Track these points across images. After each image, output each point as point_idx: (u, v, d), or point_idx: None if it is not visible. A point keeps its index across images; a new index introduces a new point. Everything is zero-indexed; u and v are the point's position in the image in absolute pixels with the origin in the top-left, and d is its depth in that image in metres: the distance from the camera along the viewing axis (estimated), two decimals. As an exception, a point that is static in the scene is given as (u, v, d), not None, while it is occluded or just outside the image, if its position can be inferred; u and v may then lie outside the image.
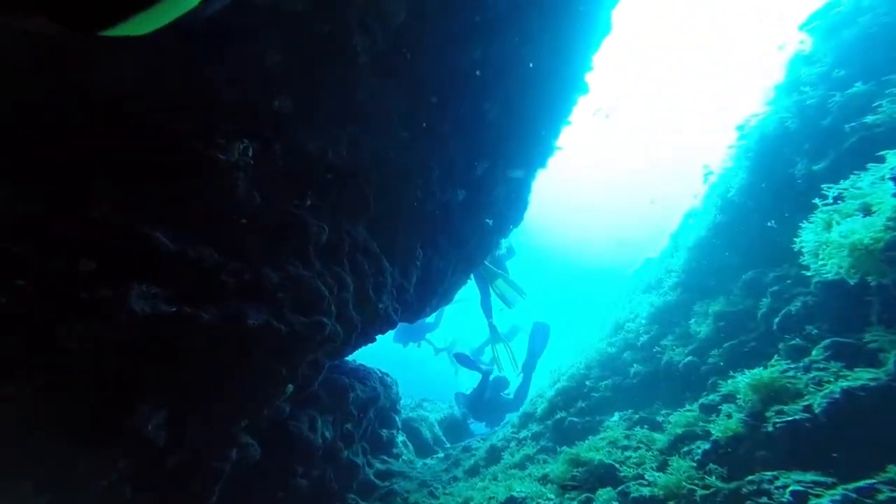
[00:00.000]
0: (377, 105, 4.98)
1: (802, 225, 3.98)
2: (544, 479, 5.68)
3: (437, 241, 7.03)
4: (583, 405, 6.65)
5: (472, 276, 9.81)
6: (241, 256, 3.48)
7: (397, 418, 9.22)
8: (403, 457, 9.64)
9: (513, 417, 8.94)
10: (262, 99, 3.71)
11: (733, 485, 3.30)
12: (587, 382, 6.85)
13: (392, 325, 6.14)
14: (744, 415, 3.63)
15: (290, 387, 4.05)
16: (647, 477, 4.10)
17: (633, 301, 7.78)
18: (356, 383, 6.93)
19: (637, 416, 5.55)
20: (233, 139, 3.25)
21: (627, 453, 4.80)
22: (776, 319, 4.40)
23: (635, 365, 6.23)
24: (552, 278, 38.30)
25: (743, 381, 3.82)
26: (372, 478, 7.63)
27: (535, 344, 12.79)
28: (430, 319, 14.76)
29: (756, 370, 3.83)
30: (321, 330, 3.94)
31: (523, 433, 7.57)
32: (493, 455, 7.65)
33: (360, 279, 4.99)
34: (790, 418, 3.20)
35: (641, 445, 4.81)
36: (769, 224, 5.37)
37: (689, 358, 5.35)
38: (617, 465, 4.68)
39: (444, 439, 10.77)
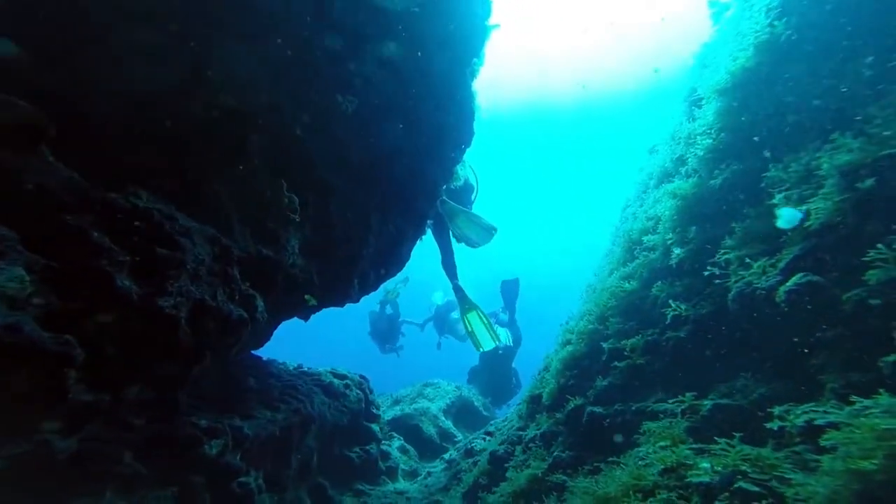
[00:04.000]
0: None
1: None
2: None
3: (326, 178, 4.13)
4: (605, 383, 3.74)
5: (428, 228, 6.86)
6: None
7: (375, 427, 6.55)
8: (402, 466, 7.04)
9: (519, 401, 6.12)
10: None
11: None
12: (603, 344, 3.91)
13: (241, 327, 3.31)
14: None
15: None
16: None
17: (646, 202, 4.69)
18: (258, 411, 4.22)
19: (708, 402, 2.60)
20: None
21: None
22: None
23: (673, 304, 3.24)
24: (511, 145, 30.30)
25: None
26: (337, 528, 5.04)
27: (509, 296, 10.37)
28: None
29: None
30: None
31: (530, 431, 4.74)
32: (496, 468, 4.89)
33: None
34: None
35: (757, 482, 1.88)
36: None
37: (802, 279, 2.32)
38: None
39: (454, 431, 8.09)
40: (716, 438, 2.14)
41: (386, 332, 11.45)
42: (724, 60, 3.61)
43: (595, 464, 3.40)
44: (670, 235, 3.54)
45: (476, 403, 9.11)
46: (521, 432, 4.94)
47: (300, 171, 3.85)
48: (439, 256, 6.80)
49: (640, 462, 2.67)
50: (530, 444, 4.47)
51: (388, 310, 11.52)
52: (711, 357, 2.86)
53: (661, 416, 2.99)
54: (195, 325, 2.72)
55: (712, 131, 3.55)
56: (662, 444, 2.64)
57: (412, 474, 7.01)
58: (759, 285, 2.46)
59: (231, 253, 3.10)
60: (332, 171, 4.21)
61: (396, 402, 8.72)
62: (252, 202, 3.43)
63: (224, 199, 3.18)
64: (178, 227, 2.69)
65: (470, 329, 6.90)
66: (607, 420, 3.53)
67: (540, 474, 3.81)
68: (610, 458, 3.15)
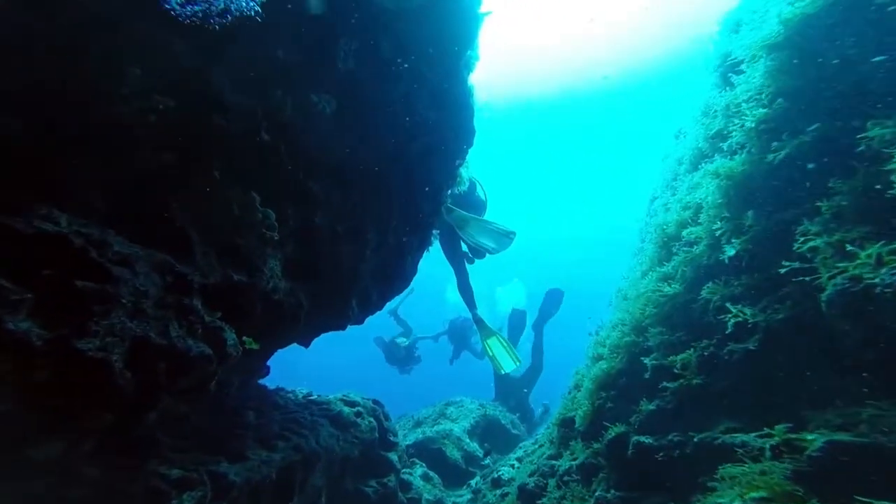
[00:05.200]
0: None
1: None
2: None
3: (309, 188, 3.58)
4: (652, 407, 3.02)
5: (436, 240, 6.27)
6: None
7: (393, 455, 5.90)
8: (426, 496, 6.34)
9: (547, 424, 5.39)
10: None
11: None
12: (645, 360, 3.19)
13: (204, 364, 2.73)
14: None
15: None
16: None
17: (679, 190, 3.96)
18: (253, 450, 3.64)
19: (816, 438, 1.85)
20: None
21: None
22: None
23: (734, 309, 2.51)
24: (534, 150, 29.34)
25: None
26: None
27: (548, 307, 10.03)
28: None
29: None
30: None
31: (564, 461, 4.01)
32: (526, 504, 4.17)
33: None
34: None
35: None
36: None
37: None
38: None
39: (479, 455, 7.36)
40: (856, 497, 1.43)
41: (404, 356, 10.94)
42: (773, 8, 2.90)
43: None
44: (719, 225, 2.82)
45: (503, 421, 8.34)
46: (553, 462, 4.22)
47: (276, 181, 3.30)
48: (455, 280, 6.37)
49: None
50: (565, 478, 3.75)
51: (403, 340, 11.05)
52: (798, 376, 2.13)
53: (739, 451, 2.25)
54: (140, 366, 2.16)
55: (763, 96, 2.83)
56: (756, 495, 1.92)
57: (437, 504, 6.32)
58: (875, 280, 1.75)
59: (189, 281, 2.54)
60: (315, 181, 3.65)
61: (418, 423, 8.05)
62: (217, 221, 2.89)
63: (180, 219, 2.64)
64: (113, 254, 2.15)
65: (491, 353, 6.45)
66: (661, 454, 2.80)
67: (581, 519, 3.09)
68: (670, 508, 2.44)
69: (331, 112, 3.59)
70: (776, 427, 2.00)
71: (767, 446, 2.02)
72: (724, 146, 3.07)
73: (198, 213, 2.78)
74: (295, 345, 5.23)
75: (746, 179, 2.73)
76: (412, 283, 6.09)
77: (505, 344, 6.46)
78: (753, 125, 2.86)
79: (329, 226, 3.86)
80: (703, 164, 3.49)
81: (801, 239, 2.16)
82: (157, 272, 2.36)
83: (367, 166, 4.02)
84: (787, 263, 2.19)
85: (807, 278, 2.07)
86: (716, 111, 3.50)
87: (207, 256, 2.81)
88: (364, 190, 4.09)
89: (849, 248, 1.91)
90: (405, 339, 10.64)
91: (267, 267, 3.20)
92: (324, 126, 3.55)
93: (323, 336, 5.16)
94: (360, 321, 4.91)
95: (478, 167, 6.65)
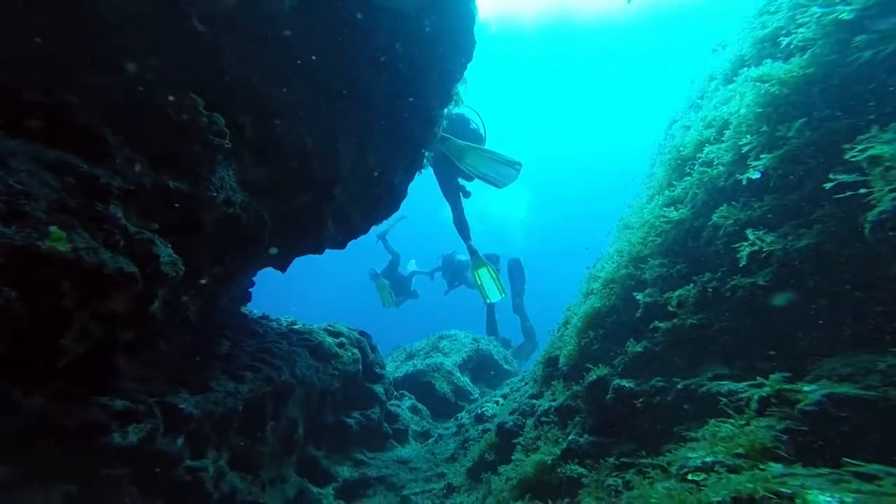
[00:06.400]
0: None
1: None
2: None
3: (269, 94, 3.08)
4: (639, 349, 2.68)
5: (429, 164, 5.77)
6: None
7: (379, 388, 5.84)
8: (413, 427, 6.40)
9: (535, 361, 5.19)
10: None
11: None
12: (638, 297, 2.81)
13: (128, 283, 2.43)
14: None
15: None
16: None
17: (706, 107, 3.33)
18: (220, 381, 3.49)
19: (814, 390, 1.49)
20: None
21: None
22: None
23: (752, 235, 2.06)
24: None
25: None
26: None
27: (517, 284, 9.87)
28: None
29: None
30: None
31: (544, 401, 3.81)
32: (504, 442, 4.04)
33: None
34: None
35: None
36: None
37: None
38: None
39: (470, 388, 7.34)
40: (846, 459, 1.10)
41: (395, 289, 10.89)
42: None
43: (622, 458, 2.45)
44: (748, 139, 2.28)
45: (496, 356, 8.28)
46: (534, 401, 4.03)
47: (223, 84, 2.81)
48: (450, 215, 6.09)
49: (690, 476, 1.67)
50: (543, 419, 3.56)
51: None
52: (811, 317, 1.73)
53: (724, 400, 1.93)
54: (36, 285, 1.85)
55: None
56: (733, 452, 1.61)
57: (424, 435, 6.37)
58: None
59: (103, 184, 2.17)
60: (274, 86, 3.14)
61: (410, 356, 8.04)
62: (144, 122, 2.46)
63: (84, 116, 2.21)
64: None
65: (479, 282, 6.33)
66: (640, 400, 2.51)
67: (550, 462, 2.90)
68: (642, 458, 2.18)
69: (291, 6, 3.01)
70: (771, 376, 1.64)
71: (756, 397, 1.67)
72: (782, 45, 2.40)
73: (113, 112, 2.35)
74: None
75: (806, 85, 2.12)
76: (404, 210, 5.72)
77: (494, 275, 6.33)
78: (850, 14, 2.14)
79: (295, 138, 3.40)
80: (742, 73, 2.84)
81: (859, 147, 1.64)
82: (49, 171, 1.98)
83: (340, 74, 3.48)
84: (835, 176, 1.68)
85: (860, 191, 1.57)
86: (779, 6, 2.78)
87: (133, 162, 2.42)
88: (338, 100, 3.58)
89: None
90: (391, 297, 10.71)
91: (216, 177, 2.81)
92: (282, 22, 2.98)
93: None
94: (341, 245, 4.59)
95: (486, 83, 5.98)
